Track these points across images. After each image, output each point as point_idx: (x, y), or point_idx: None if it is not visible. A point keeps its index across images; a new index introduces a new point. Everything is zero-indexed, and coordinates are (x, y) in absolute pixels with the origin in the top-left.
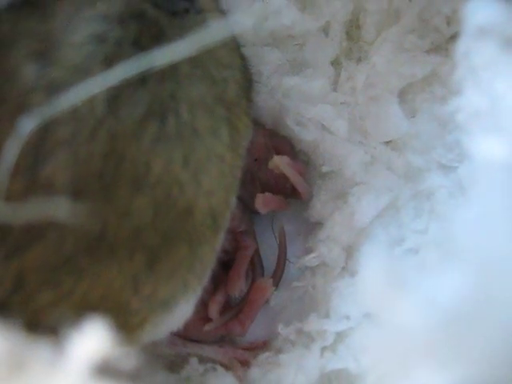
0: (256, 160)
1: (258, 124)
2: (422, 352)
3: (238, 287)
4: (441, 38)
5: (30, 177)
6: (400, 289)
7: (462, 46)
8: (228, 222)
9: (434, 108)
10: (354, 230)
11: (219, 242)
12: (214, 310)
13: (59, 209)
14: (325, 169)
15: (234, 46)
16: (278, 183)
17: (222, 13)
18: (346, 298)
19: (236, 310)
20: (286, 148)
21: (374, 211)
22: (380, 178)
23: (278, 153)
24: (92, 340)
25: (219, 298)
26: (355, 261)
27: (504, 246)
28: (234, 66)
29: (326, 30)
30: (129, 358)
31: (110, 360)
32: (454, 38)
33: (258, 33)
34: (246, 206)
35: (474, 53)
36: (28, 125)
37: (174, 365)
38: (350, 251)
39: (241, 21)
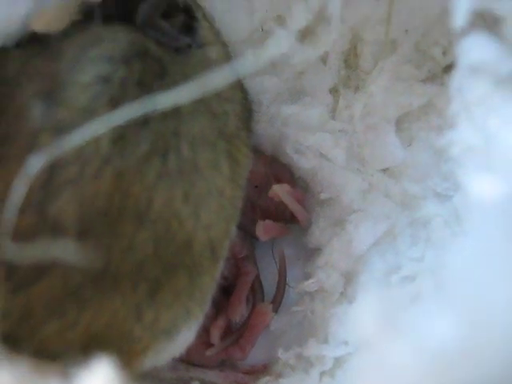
0: (256, 187)
1: (257, 151)
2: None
3: (239, 312)
4: (437, 67)
5: (38, 214)
6: (394, 321)
7: (456, 81)
8: (227, 251)
9: (429, 137)
10: (352, 257)
11: (218, 270)
12: (215, 335)
13: (65, 249)
14: (323, 196)
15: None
16: (278, 210)
17: (224, 45)
18: (344, 323)
19: (237, 334)
20: (286, 175)
21: (371, 238)
22: (377, 205)
23: (278, 180)
24: (99, 379)
25: (220, 323)
26: (353, 287)
27: (496, 287)
28: (235, 99)
29: (324, 59)
30: None
31: None
32: (449, 67)
33: (257, 62)
34: (247, 233)
35: (468, 88)
36: (36, 164)
37: None
38: (349, 277)
39: (241, 50)
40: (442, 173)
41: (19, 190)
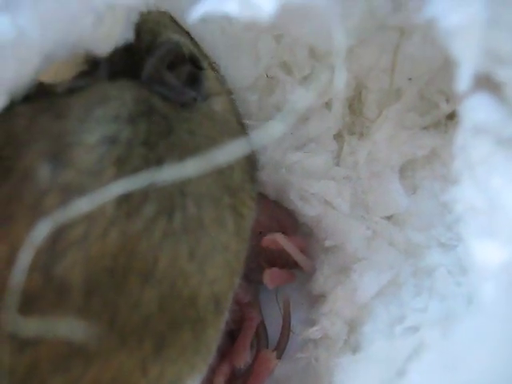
0: (260, 233)
1: (261, 197)
2: None
3: (244, 359)
4: (440, 114)
5: (44, 275)
6: (399, 376)
7: (460, 138)
8: (231, 302)
9: (433, 186)
10: (356, 306)
11: (223, 322)
12: (220, 381)
13: (71, 325)
14: (328, 243)
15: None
16: (282, 256)
17: (229, 93)
18: (348, 373)
19: (241, 381)
20: (289, 221)
21: (375, 287)
22: (381, 253)
23: (281, 226)
24: None
25: (225, 370)
26: (357, 336)
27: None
28: None
29: (328, 105)
30: None
31: None
32: (453, 115)
33: (262, 108)
34: (251, 279)
35: (472, 149)
36: (42, 230)
37: None
38: (353, 325)
39: (246, 97)
40: (446, 222)
41: (26, 255)
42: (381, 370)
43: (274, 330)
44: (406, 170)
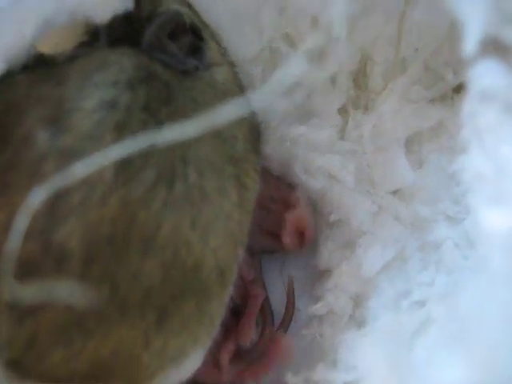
0: (262, 208)
1: (264, 169)
2: None
3: (249, 337)
4: (446, 87)
5: (42, 242)
6: (403, 349)
7: (467, 105)
8: (235, 275)
9: (440, 159)
10: (362, 280)
11: (227, 295)
12: (225, 359)
13: (70, 289)
14: (332, 218)
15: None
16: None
17: (231, 65)
18: (353, 348)
19: (247, 359)
20: (292, 194)
21: (381, 262)
22: (387, 228)
23: (284, 200)
24: None
25: (230, 347)
26: (363, 311)
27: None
28: (243, 122)
29: (333, 79)
30: None
31: None
32: (459, 88)
33: (265, 80)
34: (255, 255)
35: (479, 115)
36: (40, 194)
37: None
38: (358, 301)
39: (249, 69)
40: (453, 196)
41: (22, 221)
42: (387, 344)
43: (278, 306)
44: (412, 144)
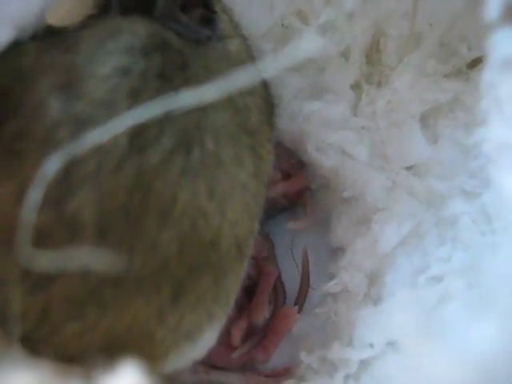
0: None
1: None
2: None
3: (262, 314)
4: (461, 62)
5: (55, 211)
6: (424, 321)
7: (487, 75)
8: (252, 250)
9: (456, 134)
10: (377, 257)
11: (244, 270)
12: (237, 336)
13: (86, 255)
14: (346, 194)
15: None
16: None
17: (244, 38)
18: (369, 325)
19: (259, 336)
20: (291, 160)
21: (396, 238)
22: (402, 204)
23: (283, 171)
24: (126, 378)
25: (242, 325)
26: (378, 288)
27: None
28: (256, 93)
29: (346, 55)
30: None
31: None
32: (475, 62)
33: (277, 57)
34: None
35: (499, 85)
36: (53, 163)
37: None
38: (373, 278)
39: (261, 45)
40: (470, 170)
41: (37, 190)
42: (404, 320)
43: (291, 285)
44: (427, 119)
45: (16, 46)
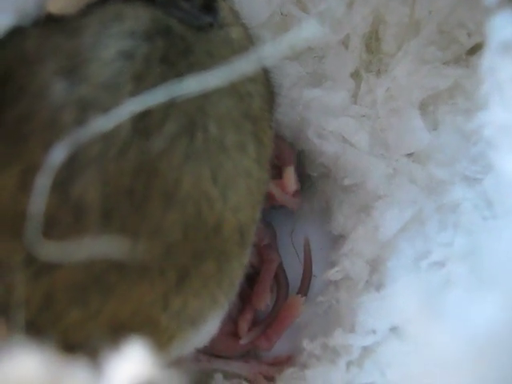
0: None
1: None
2: (449, 368)
3: (265, 301)
4: (461, 49)
5: (60, 195)
6: (428, 304)
7: (487, 60)
8: (254, 237)
9: (456, 120)
10: (378, 244)
11: (247, 257)
12: (244, 328)
13: (93, 246)
14: (347, 181)
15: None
16: None
17: (244, 26)
18: (371, 312)
19: (263, 324)
20: (287, 151)
21: (398, 224)
22: (403, 190)
23: (279, 155)
24: (132, 362)
25: (248, 316)
26: (380, 274)
27: None
28: (258, 80)
29: (345, 43)
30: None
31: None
32: (474, 49)
33: (277, 45)
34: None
35: (500, 68)
36: (60, 149)
37: (199, 381)
38: (374, 265)
39: (260, 34)
40: (471, 155)
41: (44, 177)
42: (407, 305)
43: (292, 273)
44: (427, 106)
45: (18, 31)
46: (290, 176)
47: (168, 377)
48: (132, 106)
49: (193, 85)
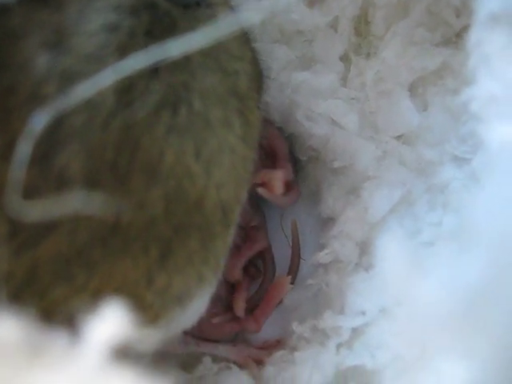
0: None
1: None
2: (440, 344)
3: (237, 273)
4: (450, 31)
5: (43, 167)
6: (418, 279)
7: (473, 35)
8: (238, 218)
9: (445, 100)
10: (368, 225)
11: (230, 236)
12: (241, 308)
13: (74, 202)
14: (336, 164)
15: (244, 39)
16: None
17: (231, 7)
18: (360, 293)
19: (250, 308)
20: (281, 147)
21: (387, 205)
22: (392, 172)
23: (272, 152)
24: (109, 323)
25: (243, 296)
26: (369, 256)
27: None
28: (245, 59)
29: (334, 26)
30: (148, 341)
31: (129, 343)
32: (463, 30)
33: (266, 29)
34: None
35: (487, 41)
36: (42, 117)
37: (187, 364)
38: (364, 246)
39: (249, 17)
40: (460, 135)
41: (25, 145)
42: (397, 284)
43: (281, 257)
44: (416, 88)
45: (2, 9)
46: (277, 180)
47: (145, 336)
48: (114, 74)
49: (175, 48)
